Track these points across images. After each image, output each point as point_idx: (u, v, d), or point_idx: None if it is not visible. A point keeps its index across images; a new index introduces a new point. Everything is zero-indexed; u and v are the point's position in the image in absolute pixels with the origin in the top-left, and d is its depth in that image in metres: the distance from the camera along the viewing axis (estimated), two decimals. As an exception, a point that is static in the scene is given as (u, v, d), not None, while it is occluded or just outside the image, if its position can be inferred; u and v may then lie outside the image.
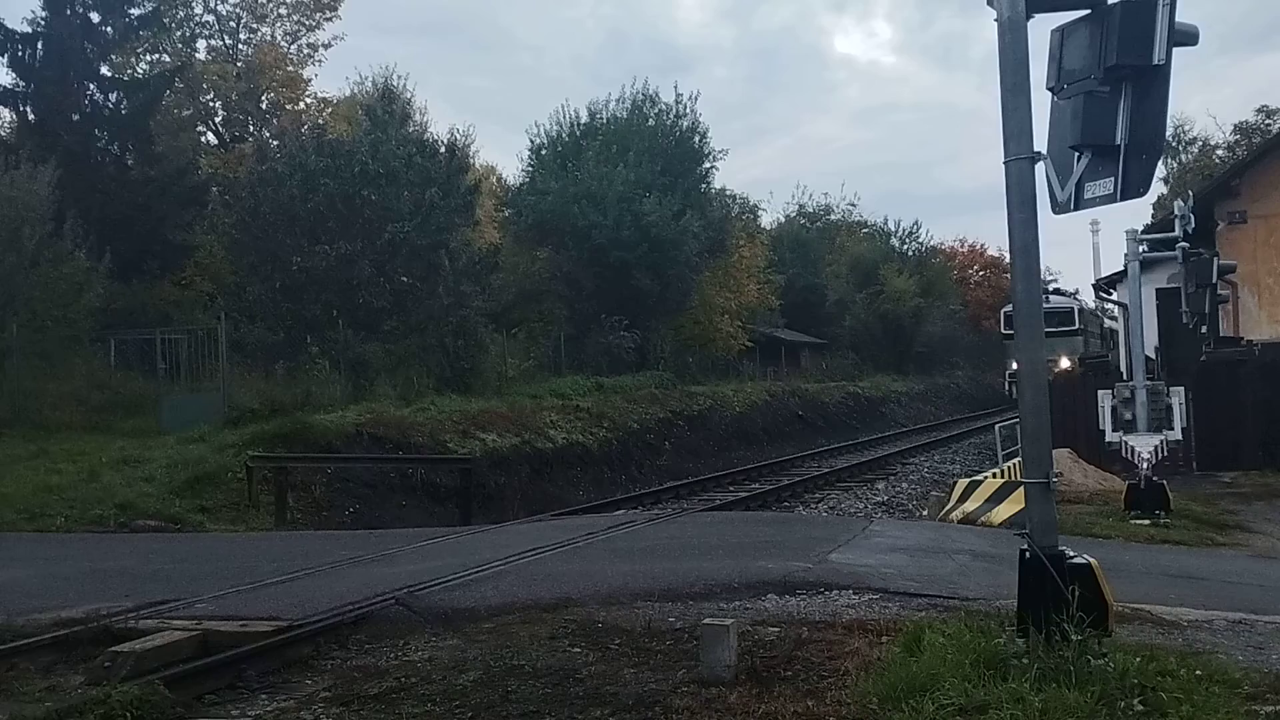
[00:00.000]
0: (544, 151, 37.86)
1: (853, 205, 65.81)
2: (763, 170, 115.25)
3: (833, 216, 63.85)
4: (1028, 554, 5.35)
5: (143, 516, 13.87)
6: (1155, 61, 5.16)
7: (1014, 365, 31.85)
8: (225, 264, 27.88)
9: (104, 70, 28.83)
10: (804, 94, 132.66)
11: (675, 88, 65.43)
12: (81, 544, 12.07)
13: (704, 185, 40.50)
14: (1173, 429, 14.46)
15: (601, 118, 38.55)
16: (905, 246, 63.42)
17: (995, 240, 73.78)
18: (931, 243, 66.19)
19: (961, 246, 73.33)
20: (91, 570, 9.72)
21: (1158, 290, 22.00)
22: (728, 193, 47.02)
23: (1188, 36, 5.23)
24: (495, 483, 19.44)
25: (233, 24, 36.57)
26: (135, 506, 14.14)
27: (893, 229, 64.69)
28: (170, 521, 13.92)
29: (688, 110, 39.27)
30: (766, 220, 56.05)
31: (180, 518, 14.15)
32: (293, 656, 6.52)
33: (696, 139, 39.60)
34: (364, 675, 6.08)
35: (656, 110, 39.04)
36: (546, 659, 6.17)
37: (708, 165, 40.30)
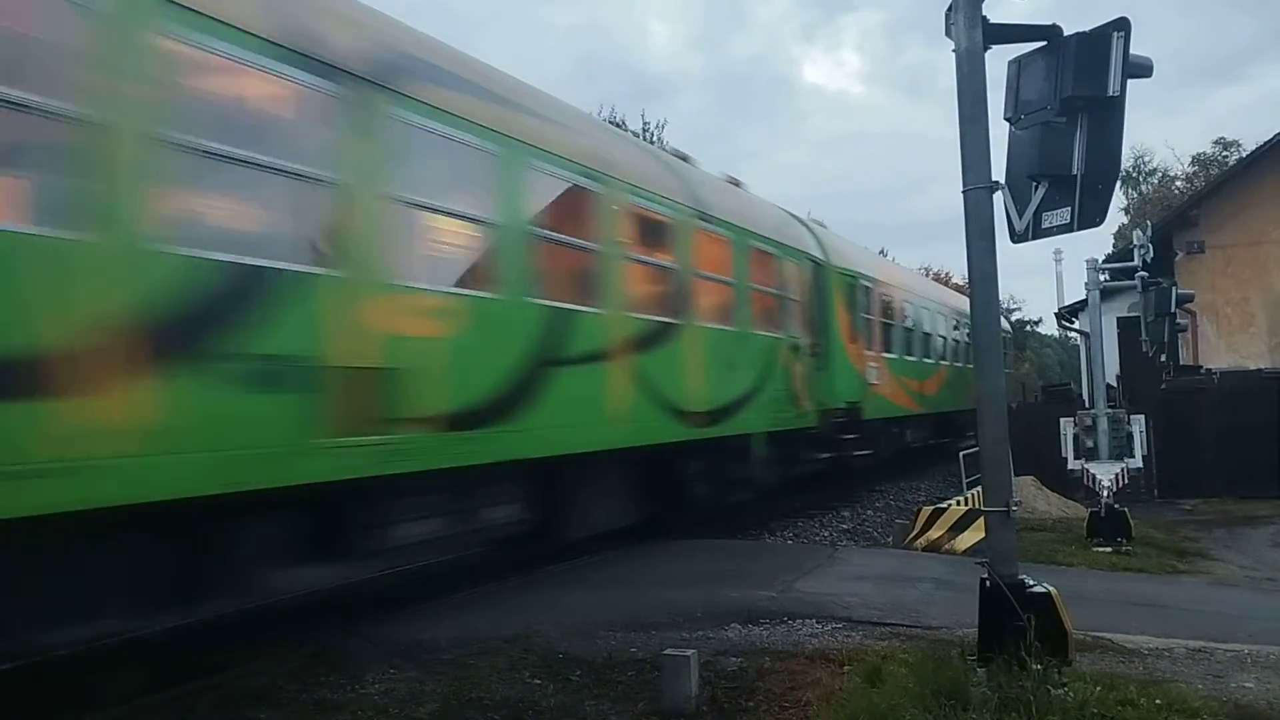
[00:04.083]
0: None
1: (819, 233, 66.02)
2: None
3: (799, 244, 64.08)
4: (988, 583, 5.36)
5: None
6: (1110, 93, 5.24)
7: None
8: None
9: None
10: (773, 122, 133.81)
11: (642, 116, 65.77)
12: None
13: (671, 212, 40.57)
14: (1134, 456, 14.62)
15: (569, 144, 38.53)
16: (871, 274, 63.82)
17: (960, 269, 74.69)
18: (897, 271, 66.65)
19: (927, 275, 74.12)
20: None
21: (1119, 319, 22.36)
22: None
23: (1142, 69, 5.32)
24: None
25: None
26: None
27: (859, 257, 65.07)
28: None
29: (655, 138, 39.49)
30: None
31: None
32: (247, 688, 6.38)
33: (663, 166, 39.73)
34: (319, 708, 5.95)
35: (623, 137, 39.17)
36: (506, 691, 6.07)
37: (674, 192, 40.39)
